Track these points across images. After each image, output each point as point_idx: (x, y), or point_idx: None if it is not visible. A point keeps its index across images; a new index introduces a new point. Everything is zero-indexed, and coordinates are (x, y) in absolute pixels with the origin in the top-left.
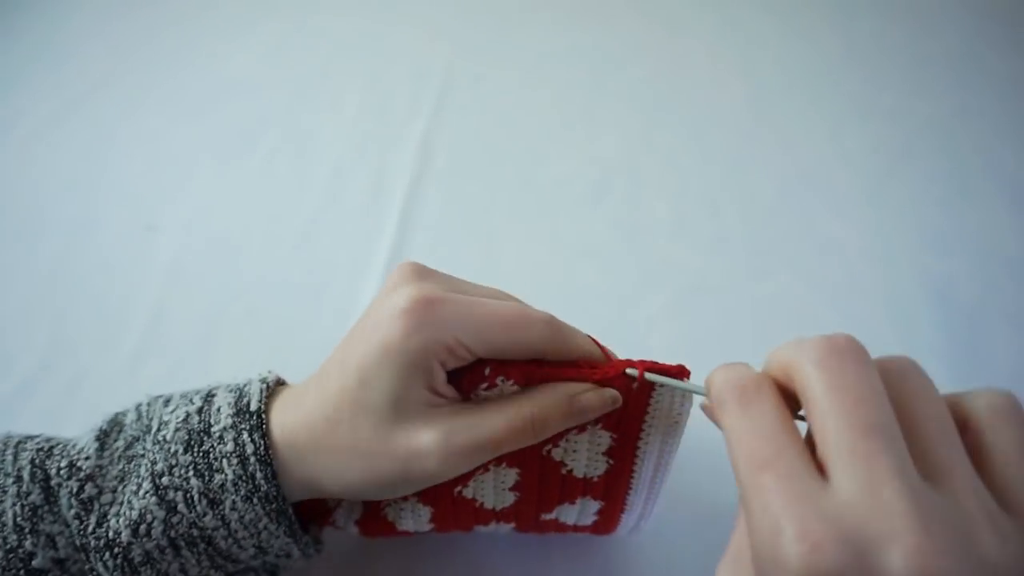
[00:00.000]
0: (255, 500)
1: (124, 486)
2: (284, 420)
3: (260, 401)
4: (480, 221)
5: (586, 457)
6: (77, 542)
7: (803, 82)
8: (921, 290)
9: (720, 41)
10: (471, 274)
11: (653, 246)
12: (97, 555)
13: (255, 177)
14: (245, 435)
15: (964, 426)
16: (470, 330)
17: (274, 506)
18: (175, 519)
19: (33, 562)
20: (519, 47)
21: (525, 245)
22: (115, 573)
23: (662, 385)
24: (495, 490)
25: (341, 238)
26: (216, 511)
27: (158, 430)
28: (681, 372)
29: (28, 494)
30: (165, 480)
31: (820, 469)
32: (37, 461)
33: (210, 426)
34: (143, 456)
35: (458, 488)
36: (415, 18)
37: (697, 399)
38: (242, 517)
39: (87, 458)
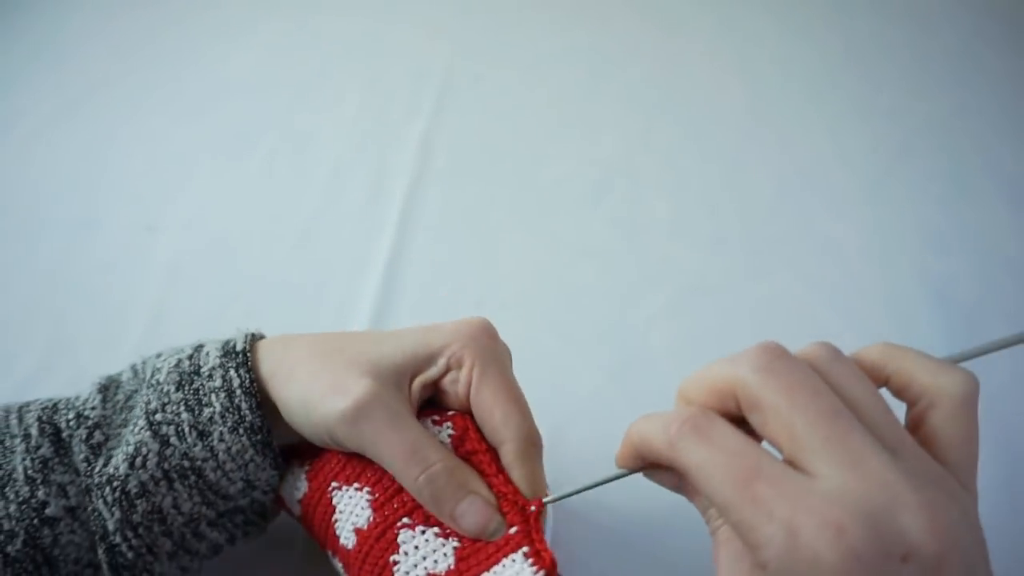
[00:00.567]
0: (241, 431)
1: (125, 430)
2: (279, 348)
3: (245, 343)
4: (480, 221)
5: (414, 564)
6: (83, 484)
7: (802, 82)
8: (920, 289)
9: (719, 41)
10: (471, 274)
11: (653, 246)
12: (98, 491)
13: (255, 177)
14: (232, 371)
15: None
16: (490, 368)
17: (259, 437)
18: (168, 451)
19: (47, 511)
20: (519, 47)
21: (525, 245)
22: (113, 508)
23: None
24: (349, 519)
25: (341, 238)
26: (205, 442)
27: (151, 376)
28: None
29: (38, 447)
30: (158, 416)
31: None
32: (44, 417)
33: (199, 367)
34: (139, 401)
35: (334, 486)
36: (415, 18)
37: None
38: (229, 448)
39: (93, 408)
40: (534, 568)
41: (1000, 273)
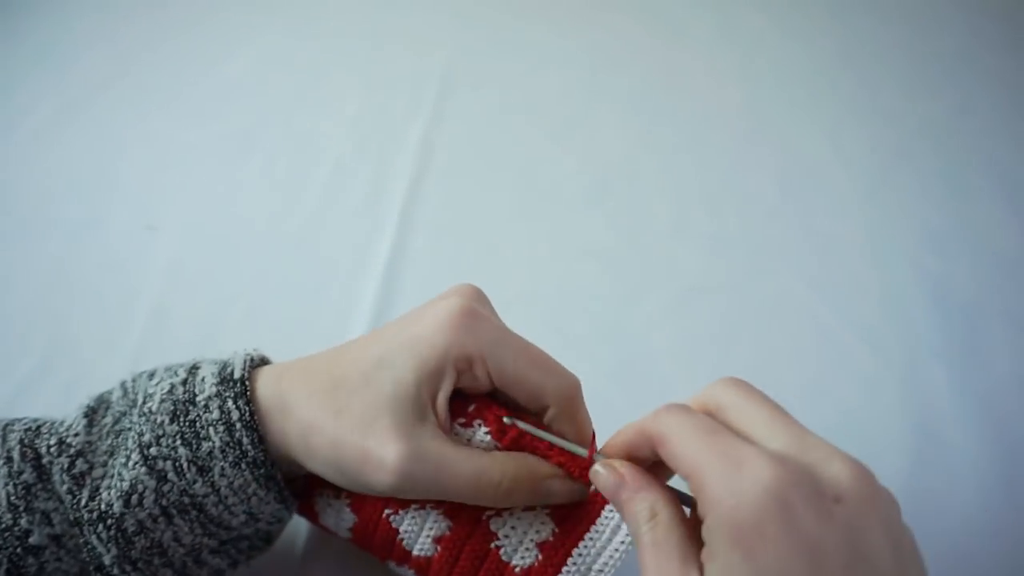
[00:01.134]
0: (243, 465)
1: (114, 459)
2: (276, 376)
3: (244, 369)
4: (480, 221)
5: (520, 539)
6: (71, 517)
7: (801, 83)
8: (919, 289)
9: (718, 42)
10: (471, 274)
11: (653, 246)
12: (91, 528)
13: (255, 177)
14: (230, 402)
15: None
16: (498, 352)
17: (262, 471)
18: (166, 488)
19: (30, 539)
20: (519, 47)
21: (525, 245)
22: (109, 545)
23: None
24: (421, 534)
25: (341, 238)
26: (206, 478)
27: (144, 403)
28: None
29: (20, 473)
30: (153, 451)
31: None
32: (26, 441)
33: (195, 396)
34: (130, 429)
35: (389, 511)
36: (415, 19)
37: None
38: (231, 483)
39: (76, 435)
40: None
41: (998, 273)
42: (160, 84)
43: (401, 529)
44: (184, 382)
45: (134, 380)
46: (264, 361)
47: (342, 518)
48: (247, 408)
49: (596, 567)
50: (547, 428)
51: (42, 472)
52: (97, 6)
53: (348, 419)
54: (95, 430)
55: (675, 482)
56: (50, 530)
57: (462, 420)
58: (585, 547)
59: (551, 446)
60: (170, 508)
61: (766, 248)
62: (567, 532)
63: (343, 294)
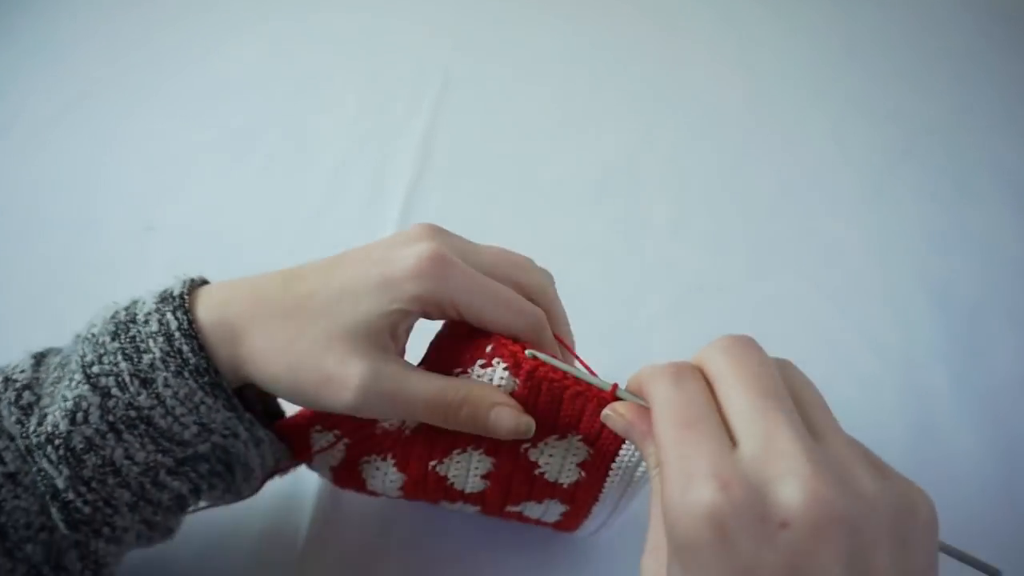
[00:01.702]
0: (186, 374)
1: (59, 386)
2: (221, 296)
3: (183, 287)
4: (480, 220)
5: (560, 464)
6: (22, 446)
7: (804, 81)
8: (922, 289)
9: (720, 40)
10: None
11: (654, 246)
12: (40, 452)
13: (255, 177)
14: (169, 315)
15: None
16: (466, 299)
17: (206, 379)
18: (110, 403)
19: None
20: (519, 46)
21: (525, 245)
22: (60, 466)
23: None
24: (468, 475)
25: (341, 237)
26: (150, 390)
27: (87, 331)
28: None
29: None
30: (95, 368)
31: (732, 443)
32: None
33: (135, 315)
34: (73, 355)
35: (434, 463)
36: (415, 17)
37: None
38: (176, 393)
39: (22, 371)
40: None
41: (1002, 273)
42: (159, 83)
43: (449, 475)
44: (127, 308)
45: (84, 329)
46: (205, 281)
47: (390, 479)
48: (185, 318)
49: (637, 474)
50: (569, 360)
51: None
52: (94, 4)
53: (305, 344)
54: (42, 368)
55: None
56: (3, 468)
57: (482, 362)
58: (622, 459)
59: (566, 375)
60: (117, 424)
61: (767, 248)
62: (602, 451)
63: None
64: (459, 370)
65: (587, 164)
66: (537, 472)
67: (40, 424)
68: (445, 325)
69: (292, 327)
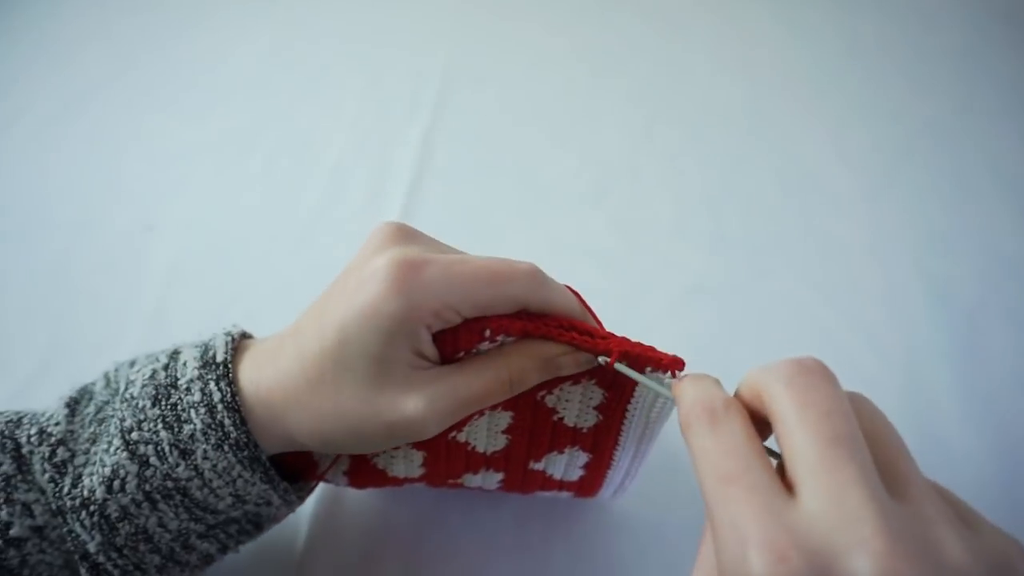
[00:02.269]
0: (226, 447)
1: (96, 447)
2: (258, 377)
3: (226, 352)
4: (480, 221)
5: (578, 408)
6: (53, 506)
7: (803, 81)
8: (921, 290)
9: (720, 40)
10: None
11: (654, 246)
12: (74, 515)
13: (255, 177)
14: (212, 384)
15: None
16: (456, 292)
17: (246, 453)
18: (148, 472)
19: (11, 531)
20: (519, 46)
21: (525, 245)
22: (93, 532)
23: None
24: (488, 432)
25: (341, 238)
26: (188, 461)
27: (125, 389)
28: (674, 364)
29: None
30: (135, 435)
31: (789, 488)
32: (6, 432)
33: (176, 379)
34: (112, 416)
35: (452, 434)
36: (415, 17)
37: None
38: (215, 466)
39: (57, 424)
40: (664, 373)
41: (1001, 273)
42: (159, 83)
43: (469, 439)
44: (166, 367)
45: (116, 369)
46: (245, 335)
47: (412, 460)
48: (228, 390)
49: (653, 414)
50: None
51: (22, 462)
52: (95, 4)
53: (350, 404)
54: (77, 419)
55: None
56: (31, 521)
57: (486, 344)
58: (636, 400)
59: (563, 333)
60: (153, 493)
61: (766, 248)
62: (617, 393)
63: None
64: (462, 352)
65: (587, 164)
66: (556, 418)
67: (75, 486)
68: None
69: (326, 393)
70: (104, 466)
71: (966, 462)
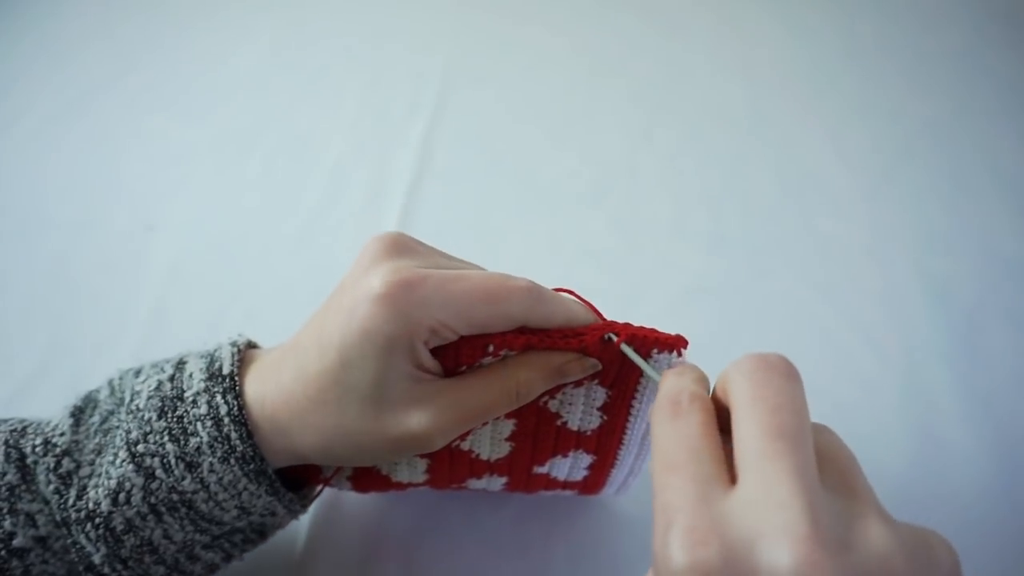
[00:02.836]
0: (232, 461)
1: (101, 458)
2: (263, 391)
3: (232, 365)
4: (480, 221)
5: (581, 411)
6: (57, 517)
7: (802, 81)
8: (920, 290)
9: (719, 41)
10: None
11: (653, 246)
12: (79, 527)
13: (255, 177)
14: (218, 397)
15: None
16: (451, 310)
17: (252, 466)
18: (154, 485)
19: (13, 542)
20: (519, 46)
21: (525, 245)
22: (98, 544)
23: (657, 352)
24: (491, 440)
25: (341, 238)
26: (194, 474)
27: (131, 400)
28: (678, 342)
29: (3, 474)
30: (141, 448)
31: (735, 480)
32: (11, 442)
33: (183, 392)
34: (118, 427)
35: (456, 443)
36: (415, 17)
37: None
38: (221, 479)
39: (62, 434)
40: (670, 353)
41: (1000, 273)
42: (159, 83)
43: (472, 448)
44: (171, 378)
45: (121, 378)
46: (251, 345)
47: (415, 468)
48: (235, 403)
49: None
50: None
51: (26, 473)
52: (96, 3)
53: (356, 424)
54: (82, 429)
55: None
56: (34, 532)
57: (490, 348)
58: (639, 397)
59: (560, 340)
60: (159, 506)
61: (766, 248)
62: (620, 390)
63: None
64: (464, 367)
65: (587, 164)
66: (559, 423)
67: (80, 498)
68: None
69: (330, 412)
70: (110, 478)
71: (965, 461)
